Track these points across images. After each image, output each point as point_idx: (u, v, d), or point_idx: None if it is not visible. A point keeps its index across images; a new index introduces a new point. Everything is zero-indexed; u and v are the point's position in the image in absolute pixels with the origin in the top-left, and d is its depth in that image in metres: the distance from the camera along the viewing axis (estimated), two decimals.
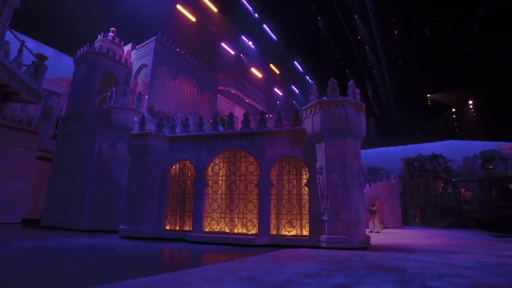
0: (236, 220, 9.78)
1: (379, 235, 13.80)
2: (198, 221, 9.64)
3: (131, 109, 13.29)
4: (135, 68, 17.31)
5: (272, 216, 9.34)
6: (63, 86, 22.39)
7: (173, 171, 10.60)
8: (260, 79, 35.90)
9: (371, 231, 15.86)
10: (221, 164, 10.31)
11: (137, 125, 10.30)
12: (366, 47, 35.17)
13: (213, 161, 10.22)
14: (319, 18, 32.91)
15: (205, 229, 9.70)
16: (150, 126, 11.72)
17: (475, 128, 41.16)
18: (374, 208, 17.32)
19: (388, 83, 37.07)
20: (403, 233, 16.35)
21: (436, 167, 33.38)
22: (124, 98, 13.15)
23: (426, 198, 31.19)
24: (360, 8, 30.32)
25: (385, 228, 22.22)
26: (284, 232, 9.26)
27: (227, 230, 9.72)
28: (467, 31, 30.23)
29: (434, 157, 34.19)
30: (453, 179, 34.58)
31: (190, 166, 10.45)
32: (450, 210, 29.81)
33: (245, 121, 10.10)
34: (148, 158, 10.13)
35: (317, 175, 8.68)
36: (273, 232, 9.26)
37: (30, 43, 18.27)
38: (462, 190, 35.12)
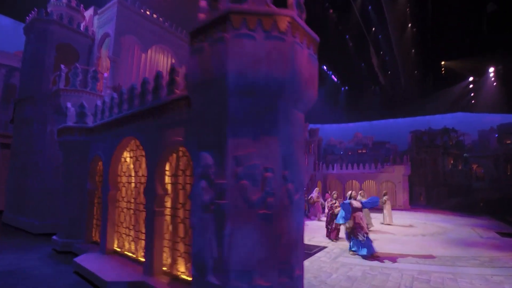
0: (138, 240, 6.76)
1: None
2: (103, 237, 7.22)
3: (84, 91, 11.76)
4: (98, 38, 15.48)
5: (166, 244, 5.80)
6: None
7: (99, 171, 8.55)
8: None
9: (382, 223, 14.75)
10: (129, 160, 7.42)
11: (74, 114, 8.85)
12: (370, 7, 31.61)
13: (119, 156, 7.45)
14: None
15: (113, 247, 7.27)
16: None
17: (494, 99, 38.41)
18: (386, 197, 15.98)
19: (396, 49, 34.02)
20: (400, 226, 15.29)
21: (446, 141, 31.54)
22: (76, 78, 11.58)
23: (433, 176, 29.79)
24: None
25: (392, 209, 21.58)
26: (176, 272, 5.56)
27: (130, 254, 6.85)
28: None
29: (446, 130, 32.20)
30: (465, 154, 32.86)
31: None
32: (459, 189, 28.46)
33: (141, 93, 6.21)
34: (69, 156, 8.63)
35: (200, 182, 3.95)
36: (166, 269, 5.72)
37: None
38: (474, 166, 33.50)
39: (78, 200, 8.49)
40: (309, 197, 16.71)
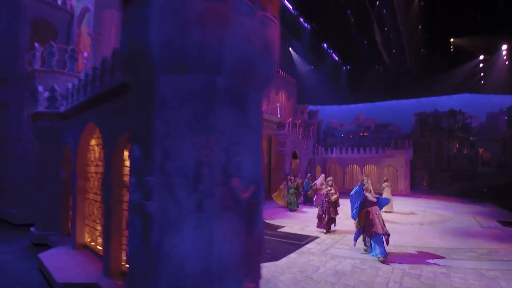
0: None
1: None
2: (72, 230, 7.01)
3: (62, 72, 11.30)
4: (77, 13, 14.83)
5: (126, 241, 5.30)
6: None
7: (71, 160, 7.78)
8: None
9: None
10: (96, 149, 6.99)
11: (45, 99, 8.47)
12: None
13: (86, 143, 7.04)
14: None
15: (84, 241, 6.99)
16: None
17: (505, 79, 37.65)
18: (386, 184, 15.80)
19: (402, 25, 32.94)
20: (400, 213, 15.22)
21: (452, 124, 31.19)
22: (52, 58, 11.10)
23: (437, 160, 29.62)
24: None
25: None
26: None
27: (99, 248, 6.45)
28: None
29: (452, 113, 31.76)
30: (471, 138, 32.62)
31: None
32: (463, 174, 28.36)
33: (101, 74, 5.67)
34: (43, 143, 8.37)
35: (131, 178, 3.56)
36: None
37: None
38: (481, 150, 33.32)
39: (52, 190, 8.30)
40: (313, 183, 16.52)
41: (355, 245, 7.79)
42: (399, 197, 20.92)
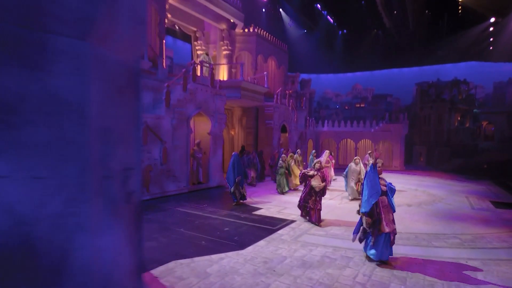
0: None
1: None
2: None
3: None
4: None
5: None
6: None
7: None
8: None
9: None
10: None
11: None
12: None
13: None
14: None
15: None
16: None
17: None
18: (371, 160, 15.68)
19: None
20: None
21: (455, 95, 30.95)
22: None
23: (436, 134, 29.63)
24: None
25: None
26: None
27: None
28: None
29: (456, 82, 31.38)
30: (474, 110, 32.53)
31: None
32: (463, 149, 28.54)
33: None
34: None
35: None
36: None
37: None
38: (484, 123, 33.34)
39: None
40: (317, 160, 15.66)
41: (354, 239, 6.48)
42: (392, 173, 21.03)
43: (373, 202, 6.01)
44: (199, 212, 10.30)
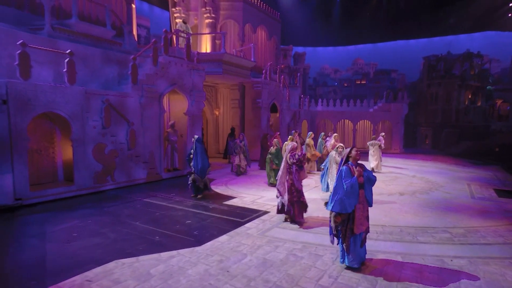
0: None
1: None
2: None
3: None
4: None
5: None
6: None
7: None
8: None
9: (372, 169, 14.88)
10: None
11: None
12: None
13: None
14: None
15: None
16: None
17: None
18: (373, 141, 15.53)
19: None
20: (383, 179, 14.91)
21: (467, 70, 30.36)
22: None
23: (444, 114, 29.23)
24: None
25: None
26: None
27: None
28: None
29: (468, 56, 30.67)
30: (488, 87, 32.01)
31: None
32: (473, 131, 28.22)
33: None
34: None
35: None
36: None
37: None
38: (499, 102, 32.93)
39: None
40: (324, 145, 15.40)
41: (333, 241, 5.80)
42: (391, 157, 20.76)
43: (354, 204, 5.43)
44: (163, 203, 9.97)
